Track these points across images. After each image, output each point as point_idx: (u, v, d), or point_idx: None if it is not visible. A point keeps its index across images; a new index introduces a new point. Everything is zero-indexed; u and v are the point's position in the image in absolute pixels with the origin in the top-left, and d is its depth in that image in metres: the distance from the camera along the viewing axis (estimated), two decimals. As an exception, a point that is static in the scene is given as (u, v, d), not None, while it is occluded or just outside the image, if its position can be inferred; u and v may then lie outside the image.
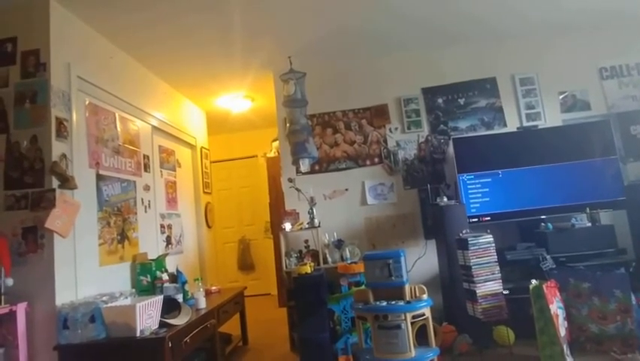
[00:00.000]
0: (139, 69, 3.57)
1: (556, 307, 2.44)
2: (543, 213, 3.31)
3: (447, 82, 3.92)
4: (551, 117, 3.79)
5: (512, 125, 3.79)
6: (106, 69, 3.05)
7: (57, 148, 2.41)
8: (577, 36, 3.82)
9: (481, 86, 3.90)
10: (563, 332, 2.42)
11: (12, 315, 2.14)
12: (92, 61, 2.87)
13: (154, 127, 3.70)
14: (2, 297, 2.14)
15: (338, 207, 3.84)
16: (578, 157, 3.36)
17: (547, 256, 3.02)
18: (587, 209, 3.25)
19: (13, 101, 2.44)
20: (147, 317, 2.29)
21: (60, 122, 2.46)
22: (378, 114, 3.97)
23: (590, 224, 3.26)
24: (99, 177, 2.80)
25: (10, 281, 2.17)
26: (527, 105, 3.84)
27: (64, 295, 2.32)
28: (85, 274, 2.51)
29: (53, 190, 2.34)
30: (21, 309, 2.17)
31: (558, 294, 2.59)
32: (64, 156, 2.44)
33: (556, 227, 3.23)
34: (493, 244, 2.78)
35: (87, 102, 2.79)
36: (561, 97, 3.84)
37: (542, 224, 3.28)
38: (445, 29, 3.59)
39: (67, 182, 2.39)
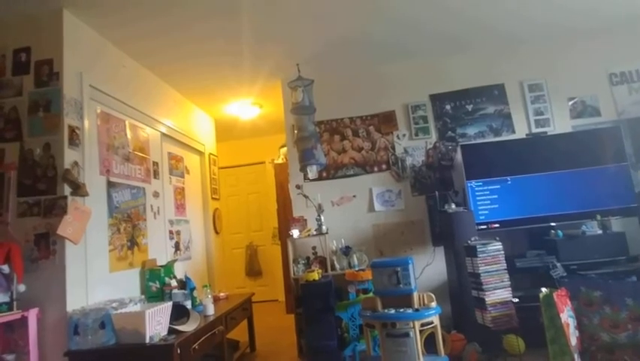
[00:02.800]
0: (149, 77, 3.62)
1: (566, 316, 2.41)
2: (553, 221, 3.28)
3: (455, 88, 3.92)
4: (560, 124, 3.76)
5: (521, 131, 3.77)
6: (117, 78, 3.10)
7: (69, 156, 2.45)
8: (586, 42, 3.80)
9: (489, 93, 3.89)
10: (573, 341, 2.38)
11: (24, 321, 2.17)
12: (103, 70, 2.92)
13: (163, 134, 3.74)
14: (14, 303, 2.17)
15: (346, 214, 3.84)
16: (588, 164, 3.33)
17: (558, 264, 2.99)
18: (598, 216, 3.21)
19: (27, 110, 2.49)
20: (156, 323, 2.30)
21: (72, 131, 2.50)
22: (385, 121, 3.97)
23: (600, 231, 3.22)
24: (110, 184, 2.84)
25: (22, 287, 2.20)
26: (536, 111, 3.82)
27: (75, 301, 2.34)
28: (95, 280, 2.54)
29: (65, 197, 2.38)
30: (32, 315, 2.20)
31: (569, 302, 2.55)
32: (76, 163, 2.48)
33: (566, 234, 3.20)
34: (502, 252, 2.75)
35: (99, 110, 2.84)
36: (570, 103, 3.81)
37: (552, 231, 3.25)
38: (453, 36, 3.59)
39: (79, 189, 2.43)
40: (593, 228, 3.25)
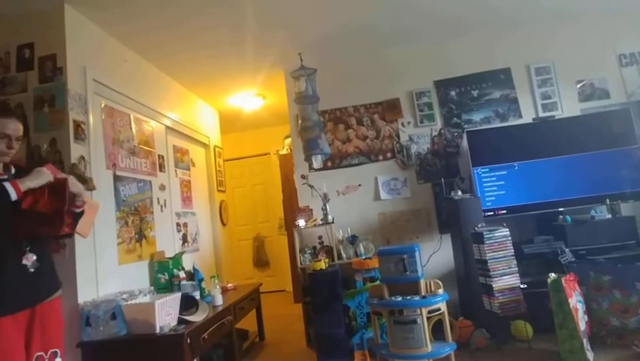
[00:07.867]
0: (152, 70, 3.62)
1: (575, 301, 2.40)
2: (561, 206, 3.24)
3: (460, 74, 3.86)
4: (569, 107, 3.70)
5: (528, 116, 3.72)
6: (120, 72, 3.10)
7: (75, 150, 2.47)
8: (594, 22, 3.71)
9: (495, 77, 3.83)
10: (582, 325, 2.38)
11: (37, 313, 2.21)
12: (106, 64, 2.92)
13: (168, 127, 3.75)
14: (27, 296, 2.21)
15: (351, 203, 3.83)
16: (597, 147, 3.28)
17: (566, 249, 2.96)
18: (607, 200, 3.18)
19: (33, 106, 2.50)
20: (166, 314, 2.34)
21: (78, 125, 2.52)
22: (390, 109, 3.94)
23: (610, 216, 3.18)
24: (116, 178, 2.85)
25: (34, 280, 2.23)
26: (543, 95, 3.76)
27: (86, 293, 2.38)
28: (105, 272, 2.57)
29: (73, 192, 2.39)
30: (45, 307, 2.23)
31: (577, 287, 2.54)
32: (82, 158, 2.50)
33: (574, 219, 3.17)
34: (510, 238, 2.74)
35: (103, 105, 2.85)
36: (579, 86, 3.74)
37: (560, 216, 3.22)
38: (457, 19, 3.53)
39: (86, 183, 2.44)
40: (602, 212, 3.22)
